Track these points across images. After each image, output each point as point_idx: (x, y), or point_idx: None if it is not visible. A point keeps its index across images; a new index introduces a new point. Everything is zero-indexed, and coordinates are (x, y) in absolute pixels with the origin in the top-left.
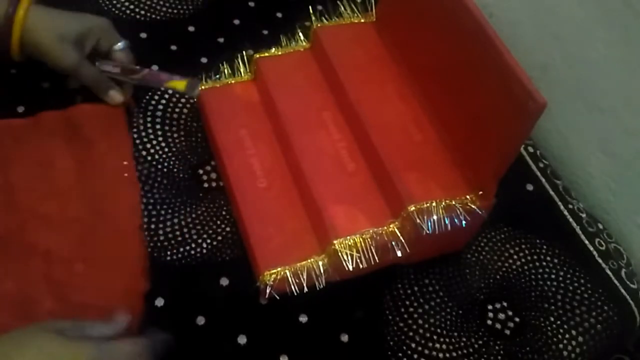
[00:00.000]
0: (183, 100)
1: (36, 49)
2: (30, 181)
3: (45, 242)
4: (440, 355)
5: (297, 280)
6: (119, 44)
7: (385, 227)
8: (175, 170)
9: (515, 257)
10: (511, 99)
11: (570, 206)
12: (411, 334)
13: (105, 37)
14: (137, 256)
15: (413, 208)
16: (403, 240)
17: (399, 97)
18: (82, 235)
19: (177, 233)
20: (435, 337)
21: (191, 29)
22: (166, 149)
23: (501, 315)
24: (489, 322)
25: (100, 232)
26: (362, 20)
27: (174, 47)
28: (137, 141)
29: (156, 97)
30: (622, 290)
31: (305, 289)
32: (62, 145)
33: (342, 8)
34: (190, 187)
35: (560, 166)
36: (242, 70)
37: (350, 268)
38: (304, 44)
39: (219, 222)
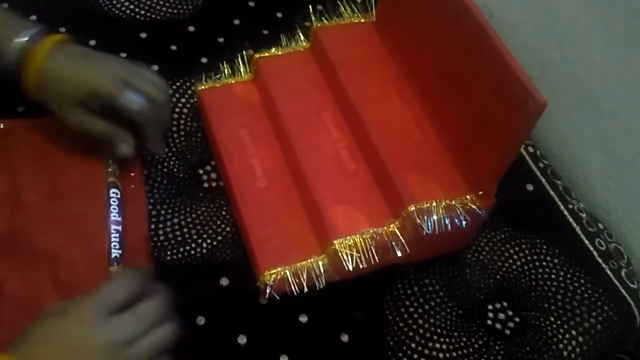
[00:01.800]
0: (183, 100)
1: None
2: (35, 182)
3: (50, 243)
4: (440, 355)
5: (297, 280)
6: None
7: (385, 227)
8: (175, 170)
9: (515, 257)
10: (511, 99)
11: (570, 206)
12: (411, 334)
13: (109, 96)
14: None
15: (413, 208)
16: (403, 240)
17: (399, 97)
18: (86, 238)
19: (177, 233)
20: (435, 337)
21: (191, 29)
22: (166, 149)
23: (501, 315)
24: (489, 322)
25: (103, 237)
26: (362, 20)
27: (174, 47)
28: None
29: None
30: (622, 290)
31: (305, 289)
32: (67, 148)
33: (342, 8)
34: (190, 187)
35: (560, 166)
36: (242, 70)
37: (350, 268)
38: (304, 44)
39: (219, 222)
